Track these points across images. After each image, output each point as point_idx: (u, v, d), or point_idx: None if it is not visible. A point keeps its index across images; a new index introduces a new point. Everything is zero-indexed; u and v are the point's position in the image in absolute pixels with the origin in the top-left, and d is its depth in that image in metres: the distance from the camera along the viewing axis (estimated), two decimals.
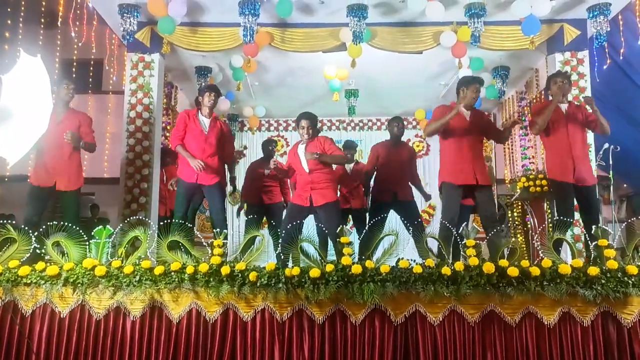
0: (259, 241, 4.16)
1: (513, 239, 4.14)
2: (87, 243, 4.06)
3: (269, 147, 7.02)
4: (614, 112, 7.09)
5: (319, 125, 10.06)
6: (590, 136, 6.13)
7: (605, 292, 3.73)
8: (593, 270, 3.78)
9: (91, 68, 9.11)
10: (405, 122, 9.96)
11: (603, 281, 3.77)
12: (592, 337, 3.74)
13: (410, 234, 5.09)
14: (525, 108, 8.10)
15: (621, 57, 6.55)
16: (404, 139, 6.65)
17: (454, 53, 6.37)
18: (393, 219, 5.76)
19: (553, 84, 5.06)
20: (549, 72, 6.59)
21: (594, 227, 4.08)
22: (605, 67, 6.47)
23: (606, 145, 5.96)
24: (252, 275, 3.81)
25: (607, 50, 6.26)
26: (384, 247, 4.09)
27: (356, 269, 3.80)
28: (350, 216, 6.69)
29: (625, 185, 8.82)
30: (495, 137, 5.29)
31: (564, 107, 5.03)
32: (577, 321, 3.75)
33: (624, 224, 4.59)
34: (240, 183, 7.36)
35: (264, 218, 6.74)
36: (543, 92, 7.20)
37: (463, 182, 4.89)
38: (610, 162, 5.86)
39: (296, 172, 5.43)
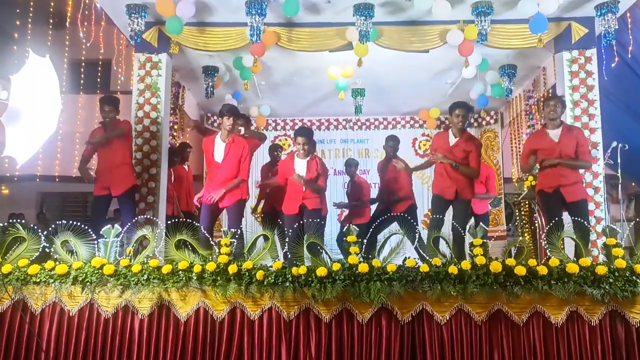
0: (263, 240, 4.18)
1: (520, 238, 4.13)
2: (95, 242, 4.10)
3: (274, 152, 7.17)
4: (622, 110, 7.05)
5: (326, 124, 10.19)
6: (597, 135, 6.12)
7: (614, 291, 3.72)
8: (601, 269, 3.77)
9: (99, 68, 9.16)
10: (412, 122, 10.07)
11: (611, 280, 3.76)
12: (600, 337, 3.73)
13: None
14: (533, 107, 8.06)
15: (630, 55, 6.49)
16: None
17: (460, 52, 6.34)
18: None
19: (546, 107, 5.15)
20: (556, 70, 6.56)
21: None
22: (613, 65, 6.42)
23: (614, 144, 5.93)
24: (259, 274, 3.83)
25: (615, 48, 6.21)
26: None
27: (363, 267, 3.81)
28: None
29: (633, 184, 8.76)
30: None
31: (556, 132, 5.08)
32: (585, 320, 3.75)
33: (632, 223, 4.58)
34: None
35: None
36: (550, 91, 7.17)
37: None
38: (619, 161, 5.83)
39: (288, 182, 5.69)
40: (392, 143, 6.55)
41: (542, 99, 7.48)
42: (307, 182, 5.48)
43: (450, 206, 5.56)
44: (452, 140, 5.48)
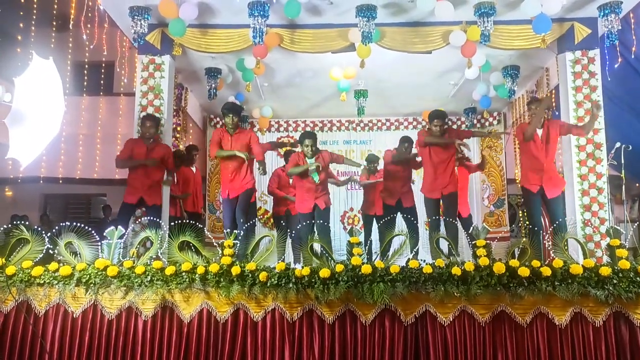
0: (268, 241, 4.19)
1: (523, 239, 4.12)
2: (99, 244, 4.10)
3: (290, 156, 7.22)
4: (625, 111, 7.03)
5: (329, 125, 10.22)
6: (601, 136, 6.11)
7: (618, 292, 3.71)
8: (605, 271, 3.76)
9: (102, 70, 9.19)
10: (415, 123, 10.07)
11: (615, 281, 3.76)
12: (604, 338, 3.72)
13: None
14: None
15: (633, 56, 6.47)
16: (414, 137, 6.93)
17: (463, 53, 6.33)
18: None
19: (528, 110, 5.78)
20: (559, 71, 6.55)
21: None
22: (616, 65, 6.39)
23: (618, 145, 5.91)
24: (263, 276, 3.83)
25: (618, 48, 6.19)
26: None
27: (366, 269, 3.81)
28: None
29: (637, 184, 8.73)
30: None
31: (539, 132, 5.54)
32: (589, 321, 3.74)
33: (636, 224, 4.57)
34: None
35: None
36: (553, 92, 7.17)
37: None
38: (622, 162, 5.82)
39: (302, 182, 6.06)
40: (408, 145, 6.74)
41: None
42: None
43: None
44: None
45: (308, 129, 10.28)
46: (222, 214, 6.06)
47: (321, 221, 5.62)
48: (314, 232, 5.27)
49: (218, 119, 9.95)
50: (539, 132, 5.53)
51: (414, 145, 6.67)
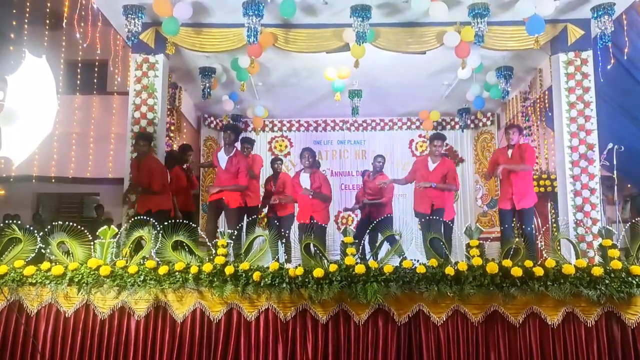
0: (262, 241, 4.18)
1: (516, 239, 4.14)
2: (91, 243, 4.09)
3: (274, 165, 7.41)
4: (618, 111, 7.08)
5: (323, 125, 10.22)
6: (593, 136, 6.14)
7: (609, 293, 3.73)
8: (597, 271, 3.78)
9: (96, 69, 9.15)
10: (409, 123, 10.10)
11: (607, 281, 3.78)
12: (596, 338, 3.74)
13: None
14: (529, 108, 8.08)
15: (625, 57, 6.51)
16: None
17: (457, 53, 6.35)
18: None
19: (506, 134, 6.08)
20: (552, 72, 6.58)
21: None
22: (609, 67, 6.43)
23: (610, 145, 5.94)
24: (256, 275, 3.83)
25: (611, 50, 6.23)
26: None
27: (360, 269, 3.82)
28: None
29: (629, 185, 8.78)
30: None
31: (509, 151, 5.94)
32: (581, 321, 3.76)
33: (628, 224, 4.60)
34: None
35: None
36: (547, 93, 7.20)
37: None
38: (615, 162, 5.85)
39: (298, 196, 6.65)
40: (380, 159, 7.32)
41: (538, 100, 7.53)
42: (314, 193, 6.53)
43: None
44: (431, 165, 6.29)
45: (302, 128, 10.30)
46: (208, 215, 6.41)
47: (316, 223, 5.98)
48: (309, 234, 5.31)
49: (212, 118, 9.94)
50: (509, 152, 5.92)
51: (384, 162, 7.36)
